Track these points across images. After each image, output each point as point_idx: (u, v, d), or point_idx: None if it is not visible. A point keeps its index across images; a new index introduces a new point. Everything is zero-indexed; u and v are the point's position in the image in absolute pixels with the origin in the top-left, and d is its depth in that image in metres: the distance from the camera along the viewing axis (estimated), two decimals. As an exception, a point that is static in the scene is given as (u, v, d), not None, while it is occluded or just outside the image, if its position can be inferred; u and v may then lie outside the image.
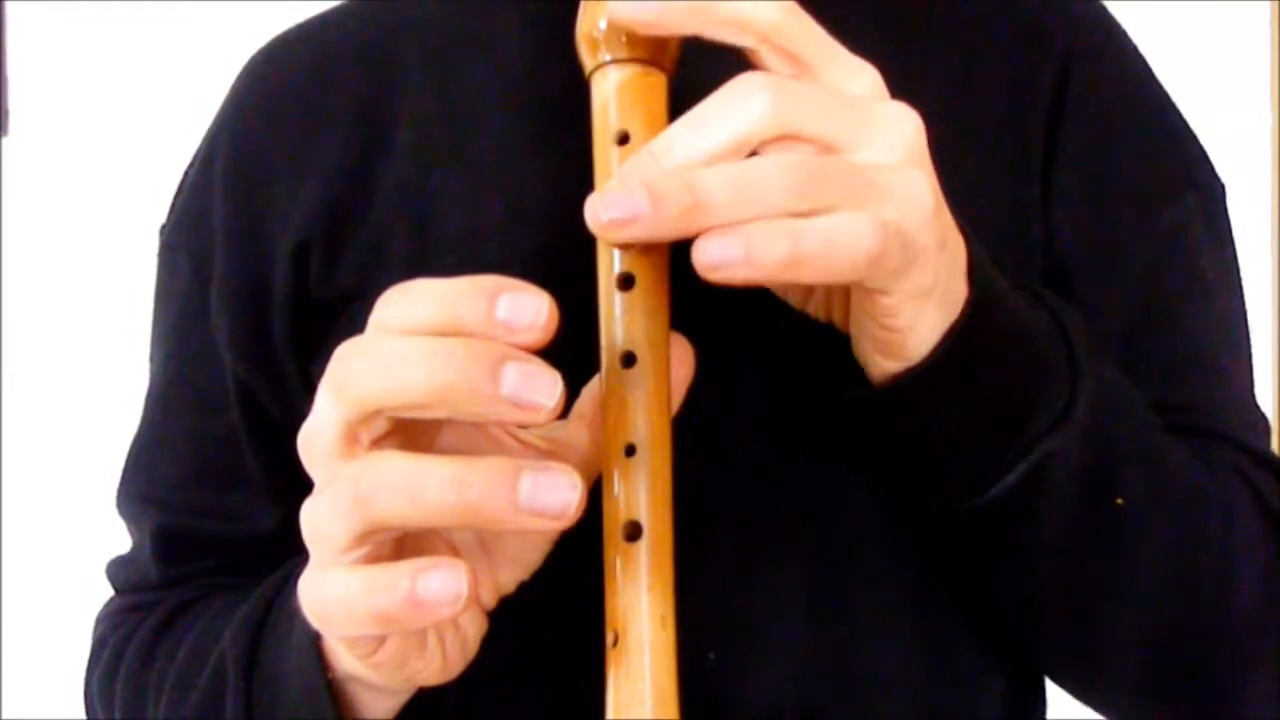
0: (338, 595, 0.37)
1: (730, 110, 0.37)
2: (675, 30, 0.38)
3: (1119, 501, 0.46)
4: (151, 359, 0.63)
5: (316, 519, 0.37)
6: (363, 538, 0.36)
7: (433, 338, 0.35)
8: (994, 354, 0.43)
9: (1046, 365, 0.45)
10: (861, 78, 0.39)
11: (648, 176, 0.36)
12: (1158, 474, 0.48)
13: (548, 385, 0.34)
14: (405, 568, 0.35)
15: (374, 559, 0.37)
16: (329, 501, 0.36)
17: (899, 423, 0.45)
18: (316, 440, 0.37)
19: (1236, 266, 0.59)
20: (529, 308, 0.34)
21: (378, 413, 0.36)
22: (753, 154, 0.37)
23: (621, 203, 0.35)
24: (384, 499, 0.35)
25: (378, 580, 0.36)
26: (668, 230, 0.35)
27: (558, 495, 0.34)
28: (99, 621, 0.64)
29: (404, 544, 0.39)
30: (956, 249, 0.42)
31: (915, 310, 0.40)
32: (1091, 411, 0.45)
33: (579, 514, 0.35)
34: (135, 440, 0.63)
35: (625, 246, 0.38)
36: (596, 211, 0.35)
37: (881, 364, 0.43)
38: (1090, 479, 0.46)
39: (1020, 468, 0.44)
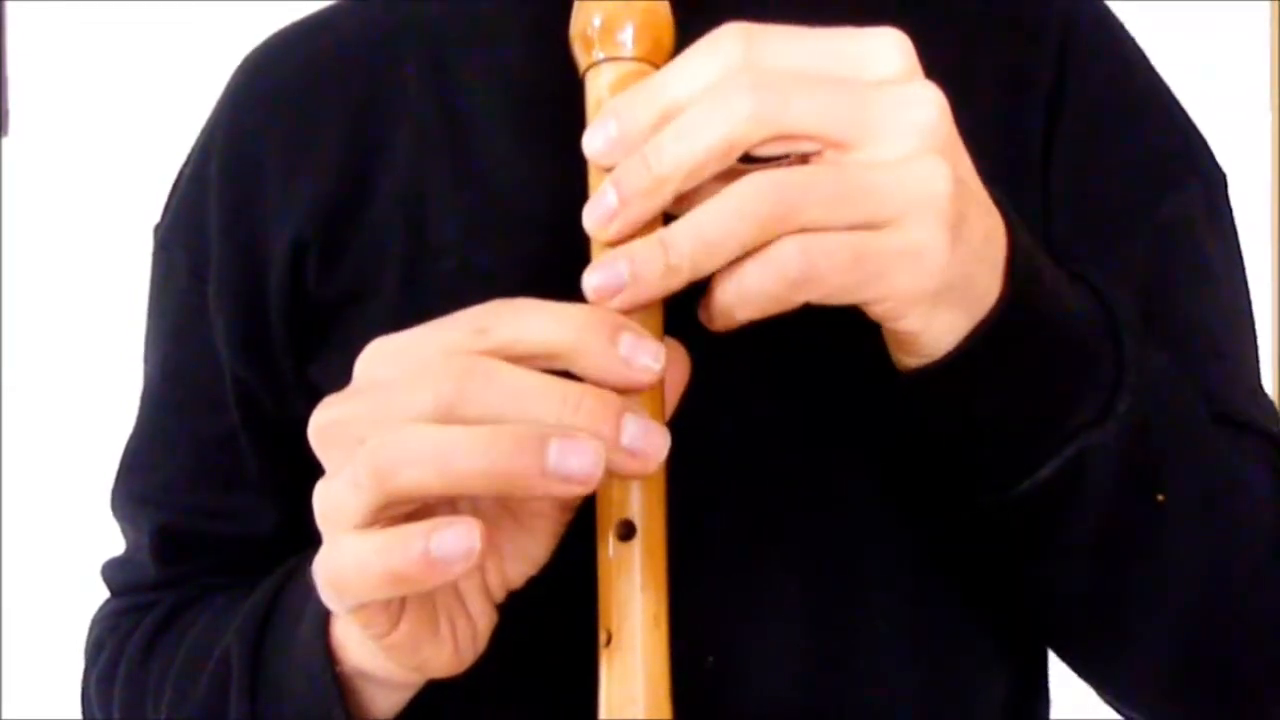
0: (352, 558, 0.37)
1: (713, 114, 0.36)
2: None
3: (1160, 498, 0.45)
4: (147, 359, 0.63)
5: (331, 497, 0.37)
6: (379, 511, 0.36)
7: (560, 381, 0.36)
8: (1030, 348, 0.42)
9: (1089, 358, 0.44)
10: (883, 59, 0.38)
11: (638, 186, 0.37)
12: (1201, 468, 0.47)
13: (660, 440, 0.36)
14: (419, 527, 0.36)
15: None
16: (348, 476, 0.36)
17: (925, 415, 0.44)
18: (373, 429, 0.37)
19: (1239, 254, 0.58)
20: (649, 351, 0.37)
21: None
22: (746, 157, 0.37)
23: (606, 276, 0.37)
24: (408, 469, 0.35)
25: (391, 540, 0.36)
26: (655, 294, 0.37)
27: (584, 460, 0.35)
28: (95, 623, 0.64)
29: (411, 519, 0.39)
30: (988, 239, 0.40)
31: (923, 313, 0.39)
32: (1135, 406, 0.44)
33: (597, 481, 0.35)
34: (131, 440, 0.63)
35: (620, 243, 0.38)
36: (586, 283, 0.37)
37: (902, 360, 0.43)
38: (1131, 475, 0.45)
39: (1054, 462, 0.43)
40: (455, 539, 0.35)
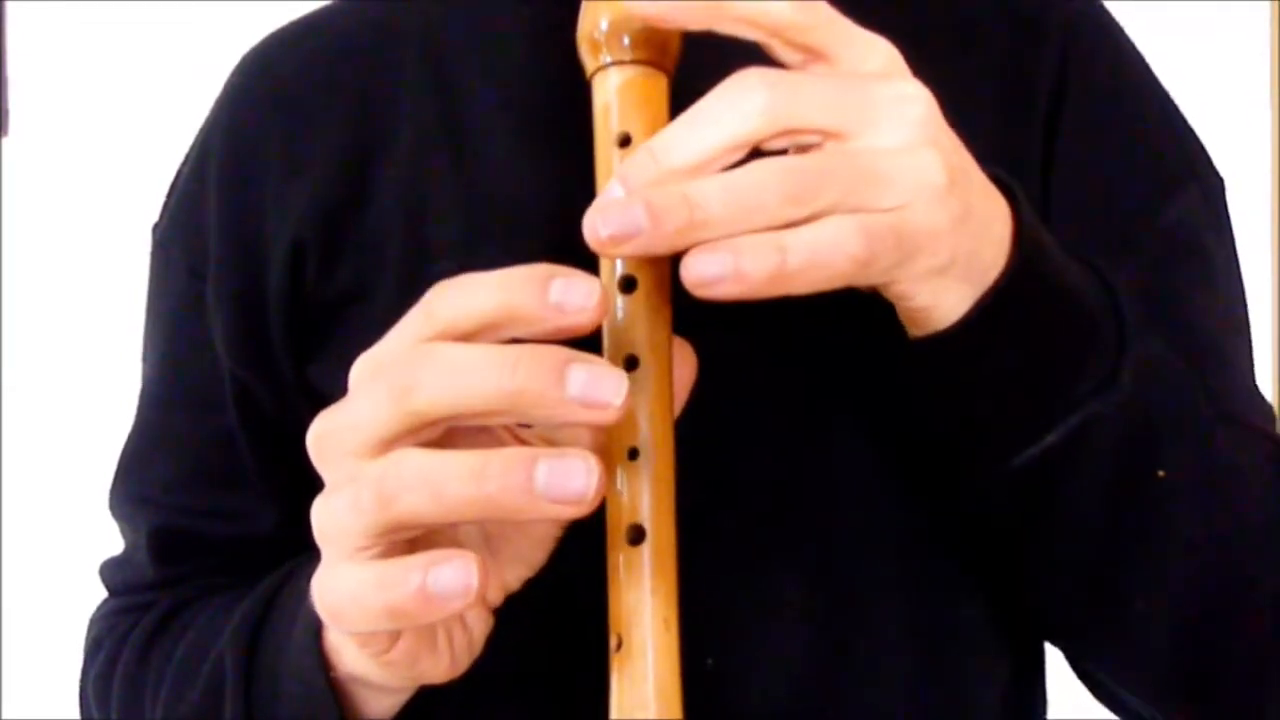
0: (350, 591, 0.37)
1: (727, 109, 0.37)
2: (688, 26, 0.38)
3: (1160, 474, 0.46)
4: (145, 358, 0.63)
5: (332, 516, 0.37)
6: (381, 535, 0.36)
7: (498, 346, 0.35)
8: (1036, 316, 0.43)
9: (1093, 331, 0.45)
10: (876, 57, 0.39)
11: (645, 178, 0.36)
12: (1201, 450, 0.48)
13: (613, 383, 0.35)
14: (417, 561, 0.36)
15: (387, 556, 0.37)
16: (350, 499, 0.36)
17: (936, 386, 0.45)
18: (349, 437, 0.37)
19: (1237, 259, 0.59)
20: (580, 289, 0.35)
21: (441, 420, 0.36)
22: (755, 151, 0.37)
23: (620, 218, 0.35)
24: (408, 496, 0.35)
25: (389, 574, 0.36)
26: (666, 246, 0.36)
27: (574, 481, 0.34)
28: (93, 623, 0.64)
29: (414, 542, 0.39)
30: (988, 218, 0.41)
31: (932, 289, 0.40)
32: (1136, 381, 0.44)
33: (598, 500, 0.35)
34: (129, 440, 0.63)
35: None
36: (595, 226, 0.36)
37: (913, 333, 0.43)
38: (1131, 449, 0.45)
39: (1059, 430, 0.44)
40: (452, 575, 0.35)
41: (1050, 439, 0.44)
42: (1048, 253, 0.44)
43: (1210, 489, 0.48)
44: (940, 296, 0.41)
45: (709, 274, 0.35)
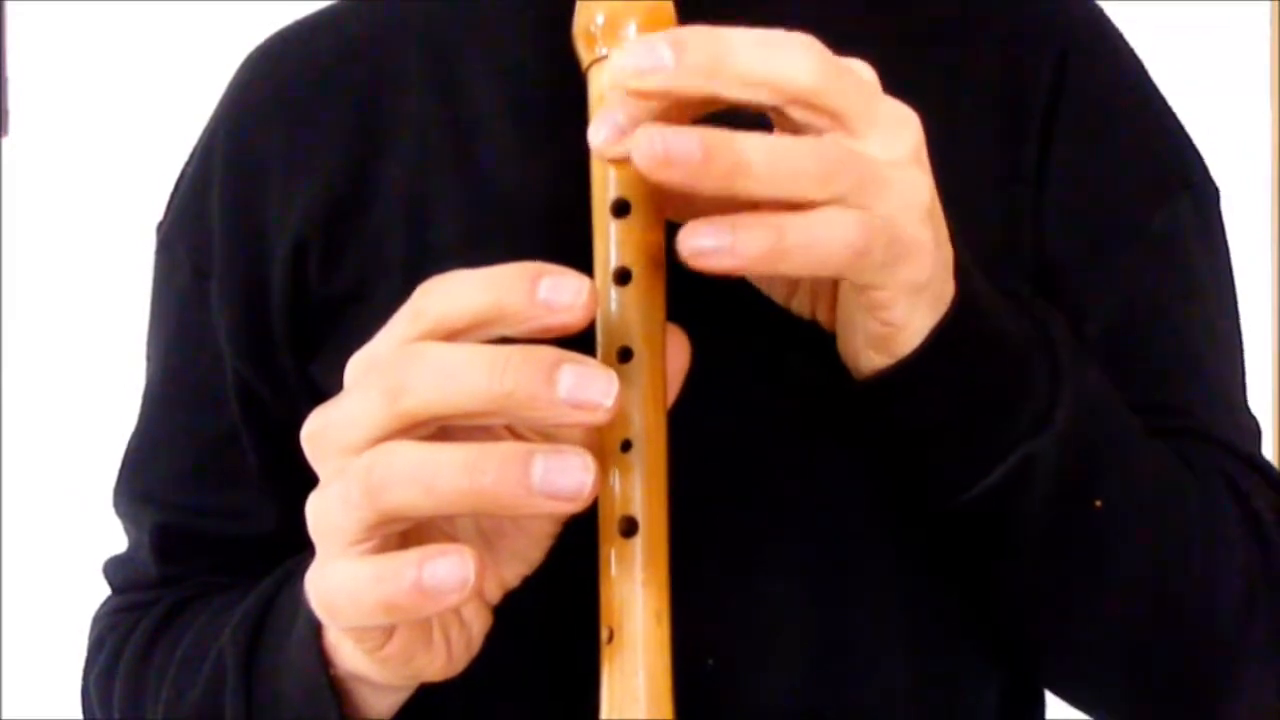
0: (345, 585, 0.37)
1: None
2: (687, 97, 0.37)
3: (1097, 504, 0.47)
4: (149, 357, 0.63)
5: (324, 511, 0.37)
6: (373, 529, 0.36)
7: (488, 348, 0.35)
8: (976, 355, 0.44)
9: (1028, 369, 0.45)
10: (903, 140, 0.39)
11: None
12: (1138, 477, 0.48)
13: (603, 384, 0.35)
14: (412, 555, 0.36)
15: (380, 551, 0.37)
16: (339, 493, 0.36)
17: (883, 420, 0.46)
18: (340, 435, 0.37)
19: (1229, 269, 0.59)
20: (569, 288, 0.35)
21: (433, 421, 0.36)
22: (720, 119, 0.37)
23: (677, 141, 0.34)
24: (397, 489, 0.35)
25: (384, 569, 0.36)
26: (710, 179, 0.35)
27: (572, 477, 0.34)
28: (96, 621, 0.64)
29: (409, 538, 0.39)
30: (947, 249, 0.42)
31: (910, 305, 0.41)
32: (1072, 416, 0.45)
33: (594, 496, 0.35)
34: (133, 438, 0.63)
35: (624, 237, 0.39)
36: (652, 149, 0.35)
37: (871, 359, 0.43)
38: (1070, 482, 0.46)
39: (1001, 469, 0.45)
40: (449, 569, 0.35)
41: (992, 479, 0.45)
42: (983, 293, 0.45)
43: (1148, 514, 0.48)
44: (913, 315, 0.41)
45: (705, 245, 0.35)
